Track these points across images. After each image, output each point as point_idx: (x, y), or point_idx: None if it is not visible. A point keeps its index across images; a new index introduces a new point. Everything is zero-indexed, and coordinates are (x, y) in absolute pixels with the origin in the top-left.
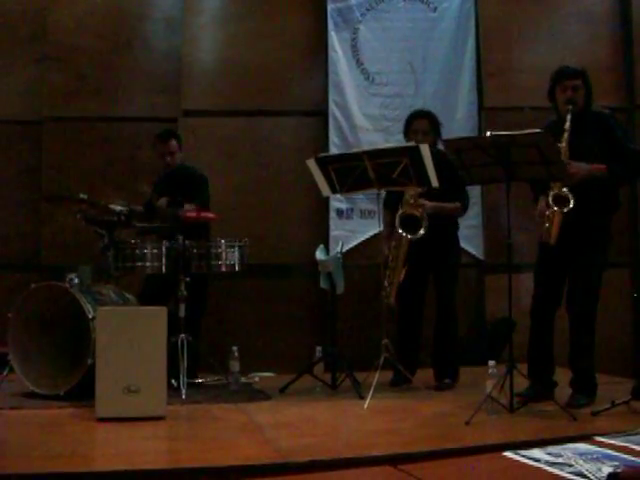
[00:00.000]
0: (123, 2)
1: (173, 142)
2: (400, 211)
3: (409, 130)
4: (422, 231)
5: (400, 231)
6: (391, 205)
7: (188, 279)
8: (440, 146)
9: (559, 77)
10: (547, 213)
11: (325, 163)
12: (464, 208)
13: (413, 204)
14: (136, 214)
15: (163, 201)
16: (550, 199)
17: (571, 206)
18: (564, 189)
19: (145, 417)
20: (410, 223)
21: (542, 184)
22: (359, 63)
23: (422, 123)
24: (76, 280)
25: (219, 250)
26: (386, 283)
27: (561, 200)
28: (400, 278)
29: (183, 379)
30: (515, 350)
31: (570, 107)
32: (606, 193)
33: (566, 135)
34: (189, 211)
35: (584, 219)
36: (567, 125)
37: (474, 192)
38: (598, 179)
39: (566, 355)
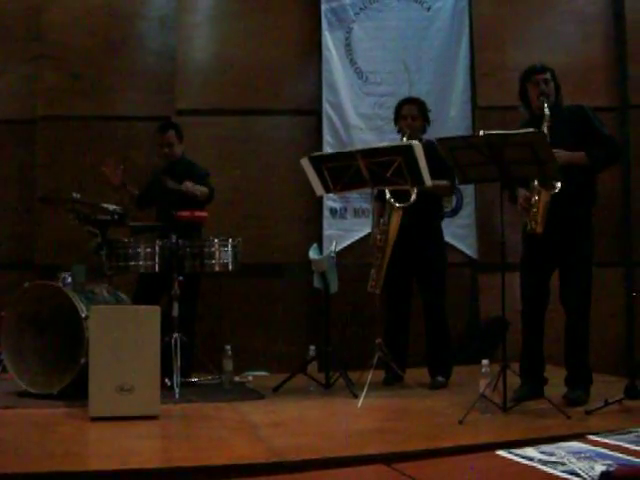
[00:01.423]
0: (117, 1)
1: (171, 133)
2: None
3: (399, 116)
4: (413, 196)
5: (390, 199)
6: (382, 198)
7: (181, 278)
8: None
9: (528, 74)
10: (532, 200)
11: (319, 162)
12: (453, 187)
13: None
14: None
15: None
16: (536, 182)
17: (558, 187)
18: None
19: (138, 416)
20: (400, 196)
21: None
22: (353, 62)
23: (411, 108)
24: (69, 279)
25: (212, 249)
26: (373, 271)
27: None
28: (385, 263)
29: (177, 378)
30: (509, 349)
31: (543, 98)
32: (584, 185)
33: (546, 124)
34: (191, 186)
35: (565, 211)
36: (546, 112)
37: (467, 191)
38: (578, 166)
39: (558, 353)
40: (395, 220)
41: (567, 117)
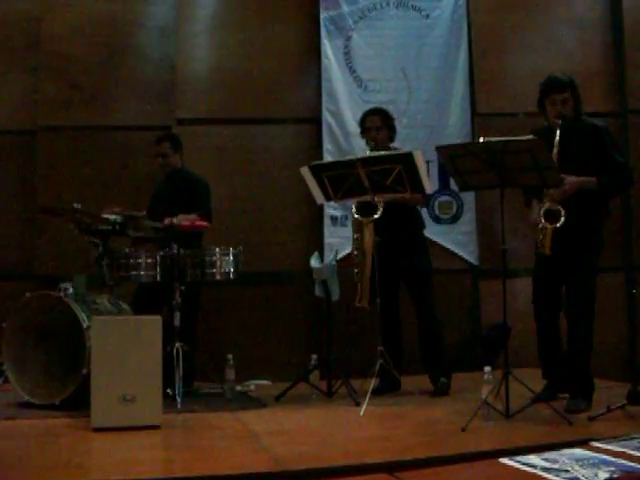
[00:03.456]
0: (117, 11)
1: (165, 144)
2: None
3: (363, 129)
4: (378, 214)
5: (356, 214)
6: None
7: (183, 287)
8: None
9: (547, 91)
10: (540, 226)
11: (319, 171)
12: (425, 199)
13: None
14: (133, 219)
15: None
16: (542, 213)
17: (562, 220)
18: (556, 205)
19: (141, 426)
20: (368, 210)
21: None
22: (352, 70)
23: (374, 120)
24: (70, 289)
25: (213, 258)
26: (359, 286)
27: (552, 215)
28: (368, 274)
29: (179, 388)
30: (510, 356)
31: (560, 122)
32: (595, 201)
33: (555, 149)
34: (183, 220)
35: (576, 224)
36: (557, 139)
37: (468, 198)
38: (588, 190)
39: None
40: (368, 234)
41: (582, 136)
